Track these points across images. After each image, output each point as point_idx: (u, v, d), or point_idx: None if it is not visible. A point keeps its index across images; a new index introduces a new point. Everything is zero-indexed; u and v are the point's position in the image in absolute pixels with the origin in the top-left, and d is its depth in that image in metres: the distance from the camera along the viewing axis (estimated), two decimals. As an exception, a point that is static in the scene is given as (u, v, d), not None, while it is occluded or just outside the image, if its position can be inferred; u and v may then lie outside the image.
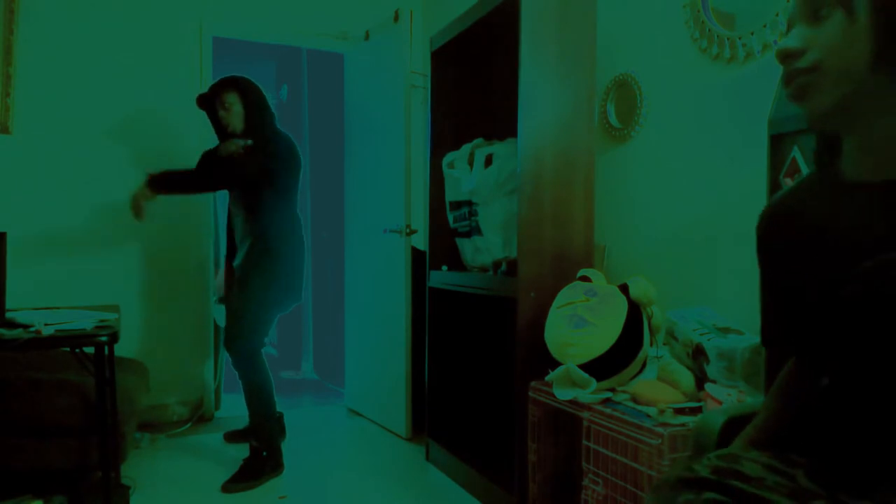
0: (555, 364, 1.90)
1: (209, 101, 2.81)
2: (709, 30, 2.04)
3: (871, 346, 0.79)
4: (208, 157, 2.82)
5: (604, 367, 1.82)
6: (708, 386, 1.66)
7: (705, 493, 0.86)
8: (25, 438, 2.25)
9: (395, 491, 2.57)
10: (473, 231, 2.60)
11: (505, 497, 2.26)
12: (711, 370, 1.69)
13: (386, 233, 3.26)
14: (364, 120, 3.61)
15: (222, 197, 3.46)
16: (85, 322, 2.11)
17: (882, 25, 0.74)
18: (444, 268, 2.82)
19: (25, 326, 1.98)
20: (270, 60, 5.51)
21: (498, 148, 2.47)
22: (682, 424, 1.54)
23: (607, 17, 2.41)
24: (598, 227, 2.36)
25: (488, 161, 2.47)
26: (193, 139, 3.39)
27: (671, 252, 2.22)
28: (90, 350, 2.03)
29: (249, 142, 2.70)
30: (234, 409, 3.51)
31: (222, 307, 3.22)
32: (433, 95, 2.90)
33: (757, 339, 1.48)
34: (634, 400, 1.74)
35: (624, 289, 1.91)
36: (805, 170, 1.39)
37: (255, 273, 2.71)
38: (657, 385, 1.75)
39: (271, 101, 2.88)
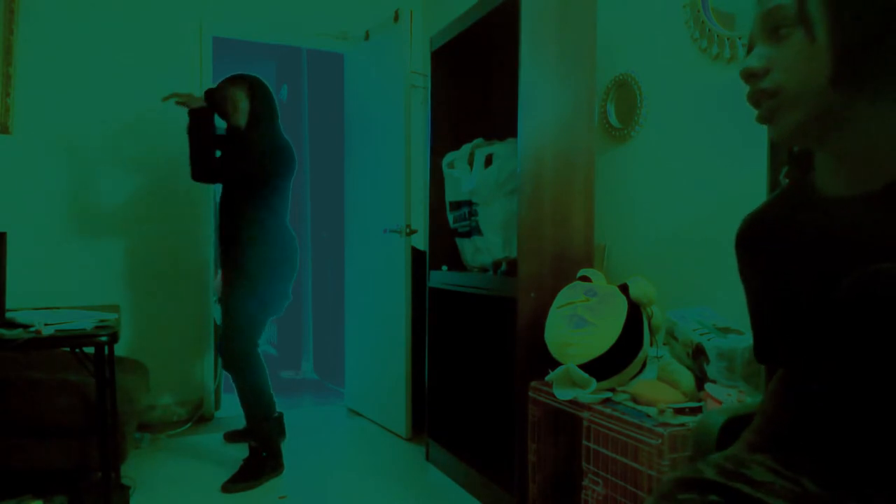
0: (555, 364, 1.90)
1: (217, 96, 2.80)
2: (709, 30, 2.04)
3: (855, 357, 0.79)
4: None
5: (604, 367, 1.83)
6: (708, 386, 1.66)
7: (709, 496, 0.85)
8: (25, 438, 2.25)
9: (395, 491, 2.57)
10: (473, 231, 2.60)
11: (505, 497, 2.26)
12: (711, 370, 1.69)
13: (386, 233, 3.26)
14: (364, 120, 3.61)
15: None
16: (85, 322, 2.11)
17: (839, 45, 0.75)
18: (444, 268, 2.82)
19: (25, 326, 1.98)
20: (270, 60, 5.51)
21: (498, 148, 2.47)
22: (682, 424, 1.54)
23: (607, 17, 2.41)
24: (598, 227, 2.36)
25: (488, 161, 2.47)
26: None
27: (671, 252, 2.22)
28: (90, 350, 2.04)
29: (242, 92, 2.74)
30: (234, 409, 3.49)
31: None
32: (433, 95, 2.90)
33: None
34: (634, 400, 1.74)
35: (624, 289, 1.91)
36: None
37: (243, 276, 2.70)
38: (657, 385, 1.75)
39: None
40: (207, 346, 3.56)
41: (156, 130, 3.41)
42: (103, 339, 2.00)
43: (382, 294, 3.37)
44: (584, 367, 1.82)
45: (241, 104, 2.75)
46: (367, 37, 3.50)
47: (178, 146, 3.39)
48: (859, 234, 0.78)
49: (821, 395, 0.87)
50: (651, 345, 1.92)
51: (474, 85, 2.97)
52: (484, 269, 2.58)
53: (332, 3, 3.81)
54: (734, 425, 1.10)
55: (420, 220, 3.32)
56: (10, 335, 1.90)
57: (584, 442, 1.75)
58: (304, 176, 5.00)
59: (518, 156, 2.19)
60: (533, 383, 2.01)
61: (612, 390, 1.84)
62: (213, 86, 2.91)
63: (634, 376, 1.88)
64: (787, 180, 1.35)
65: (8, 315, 2.05)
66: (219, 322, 3.48)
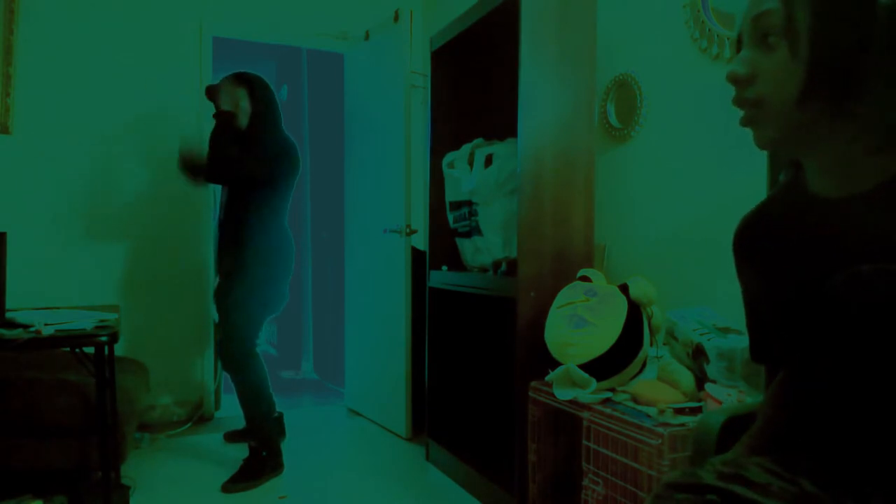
0: (555, 364, 1.90)
1: (216, 94, 2.80)
2: (709, 30, 2.04)
3: (847, 355, 0.79)
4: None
5: (604, 367, 1.82)
6: (708, 386, 1.66)
7: (707, 495, 0.86)
8: (25, 438, 2.25)
9: (395, 491, 2.57)
10: (473, 231, 2.60)
11: (505, 497, 2.26)
12: (711, 370, 1.69)
13: (386, 233, 3.26)
14: (364, 120, 3.61)
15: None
16: (85, 322, 2.11)
17: (816, 61, 0.75)
18: (444, 268, 2.81)
19: (25, 326, 1.98)
20: (270, 60, 5.51)
21: (498, 148, 2.47)
22: (682, 424, 1.54)
23: (607, 17, 2.40)
24: (598, 227, 2.36)
25: (488, 161, 2.47)
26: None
27: (671, 252, 2.22)
28: (90, 350, 2.04)
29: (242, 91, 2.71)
30: (234, 410, 3.48)
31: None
32: (433, 95, 2.90)
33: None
34: (634, 400, 1.74)
35: (624, 289, 1.91)
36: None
37: (242, 275, 2.71)
38: (657, 385, 1.75)
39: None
40: (207, 346, 3.56)
41: (156, 130, 3.41)
42: (103, 339, 2.00)
43: (382, 294, 3.37)
44: (584, 367, 1.82)
45: (241, 103, 2.74)
46: (367, 37, 3.50)
47: (178, 146, 3.40)
48: (845, 236, 0.79)
49: (818, 393, 0.87)
50: (651, 345, 1.92)
51: (474, 85, 2.96)
52: (484, 269, 2.58)
53: (332, 3, 3.81)
54: (734, 425, 1.11)
55: (420, 220, 3.32)
56: (10, 335, 1.90)
57: (584, 442, 1.75)
58: (304, 176, 4.99)
59: (518, 156, 2.19)
60: (533, 383, 2.01)
61: (612, 390, 1.84)
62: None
63: (634, 376, 1.88)
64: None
65: (8, 315, 2.05)
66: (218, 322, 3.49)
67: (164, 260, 3.46)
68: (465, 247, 2.72)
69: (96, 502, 2.14)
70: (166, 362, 3.43)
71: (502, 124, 2.74)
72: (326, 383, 4.51)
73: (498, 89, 2.89)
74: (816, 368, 0.85)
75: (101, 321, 2.16)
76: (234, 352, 2.72)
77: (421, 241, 3.31)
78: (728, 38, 1.97)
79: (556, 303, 2.00)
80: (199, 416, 3.52)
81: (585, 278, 2.00)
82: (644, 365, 1.91)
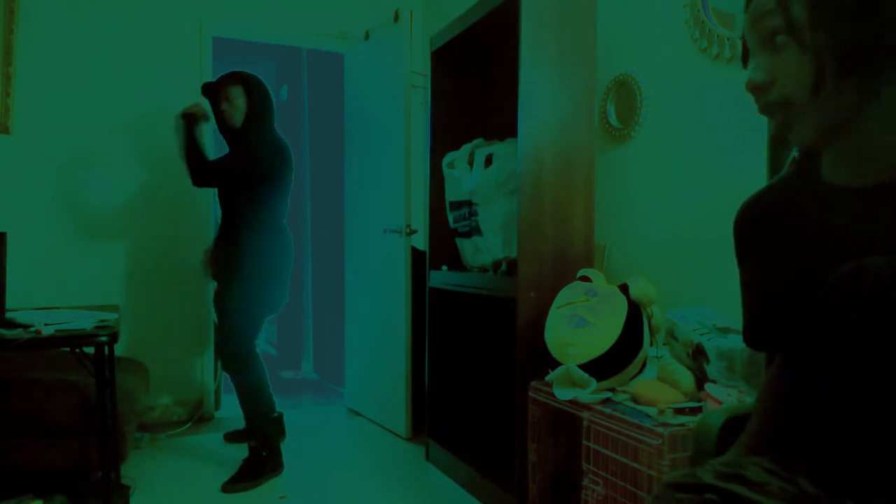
0: (555, 364, 1.90)
1: (214, 91, 2.81)
2: (709, 30, 2.04)
3: (848, 349, 0.79)
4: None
5: (604, 367, 1.82)
6: (708, 386, 1.66)
7: (706, 495, 0.86)
8: (25, 438, 2.25)
9: (395, 491, 2.57)
10: (473, 231, 2.60)
11: (505, 497, 2.26)
12: (711, 370, 1.69)
13: (386, 233, 3.26)
14: (364, 120, 3.61)
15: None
16: (85, 322, 2.11)
17: (827, 49, 0.75)
18: (444, 268, 2.81)
19: (25, 326, 1.98)
20: (270, 60, 5.51)
21: (498, 148, 2.47)
22: (682, 424, 1.54)
23: (607, 17, 2.40)
24: (598, 227, 2.36)
25: (488, 161, 2.47)
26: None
27: (671, 252, 2.22)
28: (90, 350, 2.04)
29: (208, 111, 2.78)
30: (234, 410, 3.48)
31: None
32: (433, 95, 2.90)
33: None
34: (634, 400, 1.74)
35: (624, 289, 1.91)
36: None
37: (240, 276, 2.71)
38: (657, 385, 1.75)
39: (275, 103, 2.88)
40: (207, 346, 3.56)
41: (156, 130, 3.41)
42: (103, 339, 2.00)
43: (382, 294, 3.37)
44: (584, 367, 1.82)
45: (238, 101, 2.74)
46: (367, 37, 3.50)
47: (178, 146, 3.39)
48: (858, 226, 0.78)
49: (819, 393, 0.87)
50: (651, 345, 1.92)
51: (474, 85, 2.97)
52: (484, 269, 2.58)
53: (332, 3, 3.81)
54: (734, 425, 1.10)
55: (420, 220, 3.32)
56: (10, 335, 1.90)
57: (584, 442, 1.75)
58: (304, 176, 5.00)
59: (518, 156, 2.19)
60: (533, 383, 2.01)
61: (612, 390, 1.84)
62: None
63: (634, 376, 1.88)
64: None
65: (8, 315, 2.05)
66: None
67: (164, 260, 3.46)
68: (465, 247, 2.72)
69: (96, 502, 2.14)
70: (166, 362, 3.43)
71: (502, 124, 2.74)
72: (326, 383, 4.51)
73: (498, 89, 2.89)
74: (818, 367, 0.85)
75: (101, 321, 2.16)
76: (233, 352, 2.72)
77: (421, 241, 3.31)
78: (728, 39, 1.97)
79: (556, 303, 2.00)
80: (199, 416, 3.52)
81: (585, 278, 2.00)
82: (644, 365, 1.91)
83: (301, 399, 4.12)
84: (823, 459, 0.87)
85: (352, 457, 3.00)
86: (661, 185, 2.27)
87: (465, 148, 2.69)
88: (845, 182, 0.83)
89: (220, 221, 2.88)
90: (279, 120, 2.92)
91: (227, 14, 3.57)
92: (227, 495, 2.51)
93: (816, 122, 0.80)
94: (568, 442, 2.01)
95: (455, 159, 2.73)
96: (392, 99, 3.27)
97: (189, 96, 3.41)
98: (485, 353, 2.94)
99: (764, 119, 1.24)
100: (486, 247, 2.53)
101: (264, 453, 2.69)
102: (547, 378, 1.92)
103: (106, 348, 2.07)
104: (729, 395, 1.57)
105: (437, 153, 2.88)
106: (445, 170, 2.77)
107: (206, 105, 2.89)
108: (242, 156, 2.68)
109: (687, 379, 1.73)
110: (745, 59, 0.88)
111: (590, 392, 1.79)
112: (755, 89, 0.82)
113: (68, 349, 2.11)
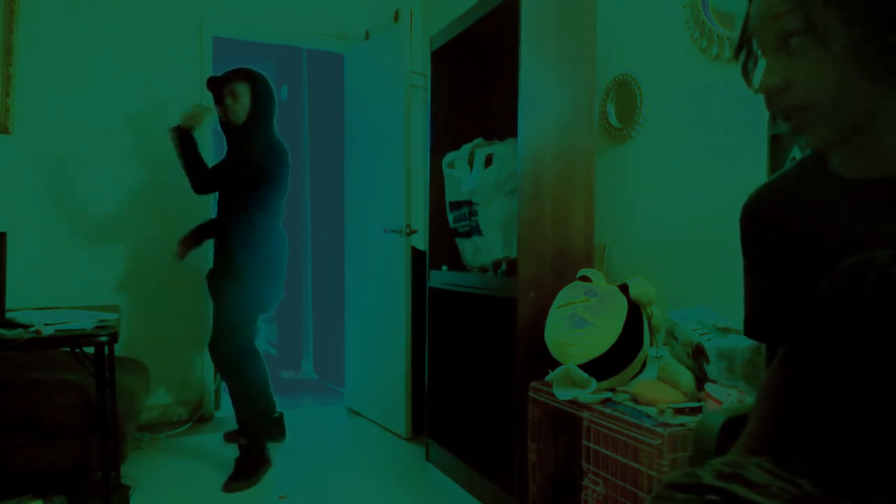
0: (555, 364, 1.90)
1: (219, 86, 2.80)
2: (709, 30, 2.04)
3: (849, 345, 0.78)
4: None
5: (604, 367, 1.82)
6: (708, 386, 1.66)
7: (707, 495, 0.86)
8: (25, 438, 2.26)
9: (395, 491, 2.57)
10: (473, 231, 2.60)
11: (505, 497, 2.26)
12: (711, 370, 1.69)
13: (386, 233, 3.26)
14: (364, 120, 3.61)
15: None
16: (85, 322, 2.11)
17: (852, 47, 0.73)
18: (444, 268, 2.81)
19: (25, 326, 1.98)
20: (270, 60, 5.50)
21: (498, 148, 2.47)
22: (682, 424, 1.54)
23: (607, 17, 2.40)
24: (598, 227, 2.36)
25: (488, 161, 2.47)
26: (193, 139, 3.39)
27: (671, 252, 2.22)
28: (90, 350, 2.04)
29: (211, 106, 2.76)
30: (234, 409, 3.51)
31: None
32: (433, 95, 2.90)
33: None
34: (634, 400, 1.74)
35: (624, 289, 1.91)
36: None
37: (235, 275, 2.71)
38: (657, 385, 1.75)
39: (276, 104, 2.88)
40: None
41: (156, 130, 3.40)
42: (103, 339, 2.00)
43: (382, 294, 3.37)
44: (584, 367, 1.82)
45: (243, 99, 2.74)
46: (367, 37, 3.50)
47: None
48: (868, 219, 0.77)
49: (819, 393, 0.87)
50: (651, 345, 1.92)
51: (474, 85, 2.97)
52: (484, 269, 2.58)
53: (332, 3, 3.81)
54: (734, 425, 1.10)
55: (420, 220, 3.32)
56: (10, 335, 1.90)
57: (584, 442, 1.74)
58: (304, 176, 5.00)
59: (518, 156, 2.19)
60: (533, 383, 2.01)
61: (612, 390, 1.84)
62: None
63: (634, 376, 1.88)
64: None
65: (8, 315, 2.05)
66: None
67: (164, 260, 3.45)
68: (465, 247, 2.72)
69: (96, 502, 2.14)
70: (166, 362, 3.43)
71: (502, 124, 2.74)
72: (326, 383, 4.50)
73: (498, 89, 2.89)
74: (818, 366, 0.85)
75: (101, 321, 2.16)
76: (230, 351, 2.72)
77: (421, 241, 3.31)
78: (728, 39, 1.97)
79: (556, 303, 2.00)
80: (199, 416, 3.52)
81: (585, 278, 2.00)
82: (644, 365, 1.91)
83: (301, 399, 4.11)
84: (823, 459, 0.87)
85: (352, 457, 3.00)
86: (661, 185, 2.27)
87: (465, 148, 2.69)
88: (855, 175, 0.82)
89: (216, 221, 2.88)
90: (279, 120, 2.91)
91: (227, 14, 3.57)
92: (227, 495, 2.51)
93: (837, 124, 0.79)
94: (568, 442, 2.01)
95: (455, 159, 2.73)
96: (392, 99, 3.27)
97: (189, 96, 3.42)
98: (485, 353, 2.94)
99: (764, 119, 1.24)
100: (486, 247, 2.53)
101: (249, 447, 2.68)
102: (547, 378, 1.92)
103: (106, 348, 2.07)
104: (729, 395, 1.57)
105: (437, 153, 2.88)
106: (445, 170, 2.77)
107: (207, 100, 2.89)
108: (240, 159, 2.68)
109: (687, 379, 1.73)
110: (738, 50, 0.87)
111: (590, 392, 1.79)
112: (769, 94, 0.81)
113: (68, 349, 2.11)
